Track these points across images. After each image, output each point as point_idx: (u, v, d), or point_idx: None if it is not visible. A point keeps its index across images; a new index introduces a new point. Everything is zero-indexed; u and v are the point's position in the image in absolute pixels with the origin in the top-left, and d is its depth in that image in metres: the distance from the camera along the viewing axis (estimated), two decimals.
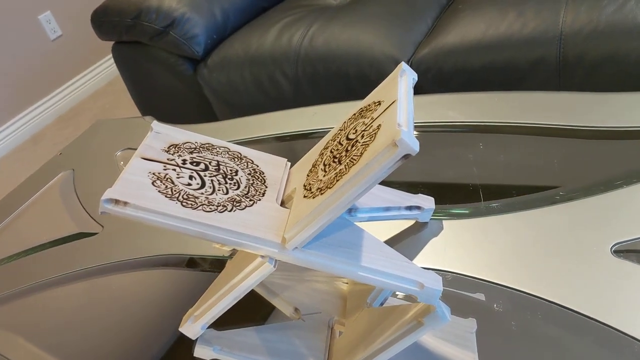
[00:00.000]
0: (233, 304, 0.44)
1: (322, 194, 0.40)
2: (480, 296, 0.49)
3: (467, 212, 0.51)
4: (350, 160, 0.39)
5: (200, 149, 0.48)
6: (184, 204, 0.41)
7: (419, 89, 1.06)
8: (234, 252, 0.56)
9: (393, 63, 1.06)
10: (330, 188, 0.39)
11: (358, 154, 0.39)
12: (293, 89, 1.20)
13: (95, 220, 0.70)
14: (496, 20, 0.98)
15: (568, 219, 0.46)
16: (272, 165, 0.49)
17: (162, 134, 0.48)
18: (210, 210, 0.41)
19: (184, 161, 0.46)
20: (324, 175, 0.42)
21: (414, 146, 0.35)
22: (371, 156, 0.37)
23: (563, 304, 0.41)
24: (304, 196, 0.42)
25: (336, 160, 0.42)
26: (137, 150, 0.45)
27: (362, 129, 0.42)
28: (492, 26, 0.98)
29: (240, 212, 0.42)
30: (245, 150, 0.50)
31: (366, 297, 0.52)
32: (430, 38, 1.08)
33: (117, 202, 0.40)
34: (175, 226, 0.40)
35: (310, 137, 0.73)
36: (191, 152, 0.47)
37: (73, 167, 0.86)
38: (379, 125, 0.39)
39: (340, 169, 0.40)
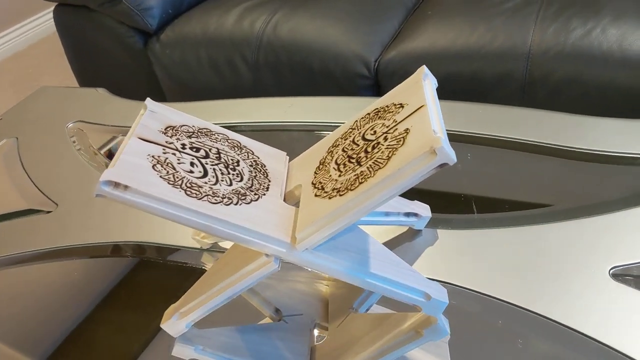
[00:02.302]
0: (226, 302, 0.42)
1: (341, 195, 0.38)
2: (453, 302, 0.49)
3: (461, 223, 0.51)
4: (374, 162, 0.37)
5: (199, 133, 0.44)
6: (188, 192, 0.38)
7: (385, 92, 1.05)
8: (214, 246, 0.53)
9: (360, 62, 1.05)
10: (352, 190, 0.37)
11: (384, 157, 0.37)
12: (252, 76, 1.16)
13: (48, 197, 0.64)
14: (466, 31, 0.99)
15: (565, 238, 0.46)
16: (272, 157, 0.47)
17: (157, 114, 0.44)
18: (215, 202, 0.38)
19: (183, 146, 0.42)
20: (340, 176, 0.40)
21: (453, 156, 0.34)
22: (404, 161, 0.35)
23: (560, 321, 0.42)
24: (316, 195, 0.40)
25: (353, 160, 0.40)
26: (132, 129, 0.42)
27: (383, 130, 0.40)
28: (462, 36, 0.99)
29: (247, 207, 0.40)
30: (244, 140, 0.47)
31: (350, 302, 0.51)
32: (397, 41, 1.08)
33: (116, 185, 0.36)
34: (179, 217, 0.37)
35: (287, 130, 0.70)
36: (189, 137, 0.43)
37: (16, 135, 0.79)
38: (407, 129, 0.38)
39: (362, 171, 0.38)
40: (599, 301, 0.42)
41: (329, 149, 0.44)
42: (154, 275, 0.56)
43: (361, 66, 1.05)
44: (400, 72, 1.02)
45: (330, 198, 0.38)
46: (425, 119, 0.37)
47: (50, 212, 0.62)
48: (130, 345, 0.50)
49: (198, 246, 0.53)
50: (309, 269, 0.54)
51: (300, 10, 1.17)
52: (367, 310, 0.51)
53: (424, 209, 0.50)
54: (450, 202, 0.55)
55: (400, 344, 0.44)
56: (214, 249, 0.53)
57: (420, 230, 0.51)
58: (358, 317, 0.49)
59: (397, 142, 0.37)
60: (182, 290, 0.54)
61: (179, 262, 0.54)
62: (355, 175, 0.38)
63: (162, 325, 0.43)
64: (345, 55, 1.07)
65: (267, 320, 0.51)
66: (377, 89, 1.07)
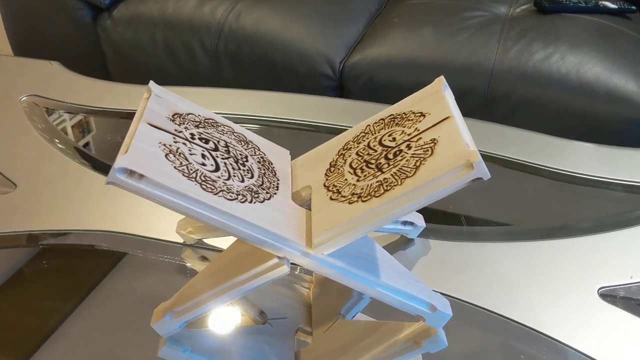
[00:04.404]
0: (227, 303, 0.40)
1: (364, 201, 0.37)
2: None
3: (452, 234, 0.51)
4: (399, 170, 0.37)
5: (205, 124, 0.42)
6: (204, 187, 0.36)
7: (348, 94, 1.05)
8: (199, 242, 0.50)
9: (325, 62, 1.04)
10: (377, 197, 0.36)
11: (410, 166, 0.36)
12: (211, 65, 1.12)
13: (5, 177, 0.58)
14: (432, 42, 1.01)
15: (554, 256, 0.48)
16: (277, 155, 0.45)
17: (162, 99, 0.41)
18: (231, 198, 0.36)
19: (192, 136, 0.40)
20: (358, 180, 0.39)
21: (487, 171, 0.34)
22: (437, 172, 0.35)
23: (551, 335, 0.43)
24: (331, 199, 0.39)
25: (372, 166, 0.39)
26: (138, 113, 0.39)
27: (404, 138, 0.40)
28: (428, 48, 1.00)
29: (260, 206, 0.38)
30: (249, 134, 0.45)
31: (337, 307, 0.50)
32: (363, 45, 1.08)
33: (131, 173, 0.33)
34: (195, 211, 0.35)
35: (268, 125, 0.68)
36: (197, 126, 0.41)
37: None
38: (434, 139, 0.37)
39: (386, 178, 0.37)
40: (588, 319, 0.44)
41: (339, 151, 0.43)
42: (59, 260, 0.53)
43: (326, 66, 1.05)
44: (366, 77, 1.02)
45: (350, 203, 0.37)
46: (454, 130, 0.37)
47: (9, 192, 0.56)
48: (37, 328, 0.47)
49: (180, 240, 0.51)
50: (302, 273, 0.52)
51: (265, 3, 1.14)
52: (353, 317, 0.50)
53: (419, 218, 0.50)
54: (434, 212, 0.55)
55: (397, 354, 0.43)
56: (198, 245, 0.51)
57: (412, 239, 0.50)
58: (347, 324, 0.48)
59: (424, 151, 0.37)
60: (88, 274, 0.51)
61: (158, 257, 0.51)
62: (377, 181, 0.37)
63: (152, 325, 0.40)
64: (310, 53, 1.06)
65: (249, 322, 0.49)
66: (340, 90, 1.06)
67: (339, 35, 1.09)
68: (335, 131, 0.67)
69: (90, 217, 0.54)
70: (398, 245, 0.50)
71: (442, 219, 0.54)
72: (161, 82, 0.92)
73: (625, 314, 0.43)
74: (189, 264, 0.50)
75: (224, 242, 0.50)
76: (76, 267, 0.52)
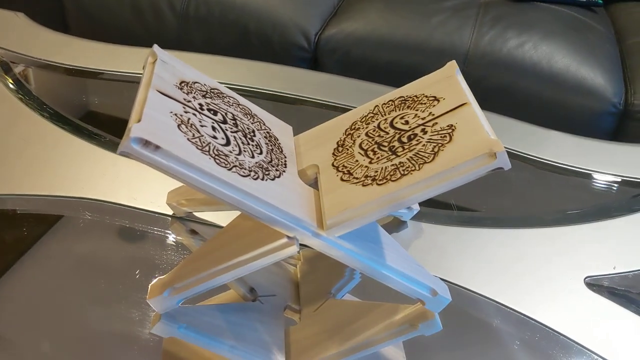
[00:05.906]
0: (230, 281, 0.39)
1: (379, 184, 0.36)
2: None
3: (444, 218, 0.52)
4: (415, 155, 0.36)
5: (212, 94, 0.40)
6: (217, 161, 0.34)
7: (322, 67, 1.04)
8: (189, 215, 0.49)
9: (300, 32, 1.02)
10: (394, 181, 0.36)
11: (428, 151, 0.36)
12: (178, 27, 1.08)
13: None
14: (408, 22, 1.01)
15: (543, 245, 0.49)
16: (281, 130, 0.44)
17: (168, 65, 0.39)
18: (244, 174, 0.35)
19: (201, 106, 0.38)
20: (371, 163, 0.38)
21: (509, 162, 0.34)
22: (458, 160, 0.34)
23: (540, 321, 0.44)
24: (342, 180, 0.38)
25: (385, 148, 0.39)
26: (145, 79, 0.37)
27: (418, 122, 0.39)
28: (405, 26, 1.00)
29: (272, 183, 0.37)
30: (254, 107, 0.43)
31: (327, 286, 0.50)
32: (338, 18, 1.06)
33: (146, 143, 0.31)
34: (209, 186, 0.33)
35: (254, 97, 0.66)
36: (204, 96, 0.39)
37: None
38: (451, 125, 0.37)
39: (402, 162, 0.37)
40: (575, 307, 0.45)
41: (346, 130, 0.42)
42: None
43: (300, 37, 1.03)
44: (341, 51, 1.01)
45: (364, 185, 0.37)
46: (473, 118, 0.37)
47: None
48: None
49: (169, 212, 0.49)
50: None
51: None
52: (342, 296, 0.50)
53: None
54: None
55: (392, 336, 0.43)
56: (188, 219, 0.49)
57: (405, 222, 0.51)
58: (339, 304, 0.48)
59: (442, 137, 0.37)
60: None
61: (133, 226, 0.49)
62: (393, 165, 0.37)
63: (149, 300, 0.38)
64: (284, 22, 1.03)
65: (237, 298, 0.48)
66: (314, 63, 1.05)
67: (314, 6, 1.07)
68: (321, 106, 0.66)
69: (73, 183, 0.51)
70: (391, 227, 0.50)
71: (431, 203, 0.54)
72: (123, 42, 0.89)
73: (609, 302, 0.45)
74: (179, 238, 0.48)
75: (214, 216, 0.49)
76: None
